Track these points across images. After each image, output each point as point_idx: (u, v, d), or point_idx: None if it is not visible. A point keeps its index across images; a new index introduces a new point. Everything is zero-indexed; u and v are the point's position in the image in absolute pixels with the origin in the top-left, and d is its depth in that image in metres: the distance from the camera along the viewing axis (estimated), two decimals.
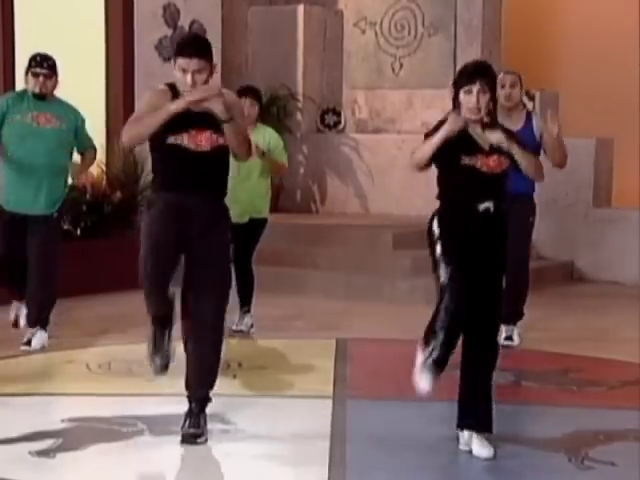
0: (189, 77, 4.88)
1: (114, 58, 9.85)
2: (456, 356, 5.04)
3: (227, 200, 7.17)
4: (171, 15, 10.28)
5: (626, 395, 6.13)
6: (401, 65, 11.87)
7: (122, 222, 9.37)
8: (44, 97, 6.87)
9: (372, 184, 11.56)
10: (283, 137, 11.50)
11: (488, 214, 4.89)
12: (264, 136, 7.60)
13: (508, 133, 4.93)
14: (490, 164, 4.87)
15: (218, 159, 5.01)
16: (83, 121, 7.07)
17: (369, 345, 7.44)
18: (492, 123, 4.92)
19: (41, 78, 6.84)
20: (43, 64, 6.86)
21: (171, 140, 4.94)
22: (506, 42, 11.62)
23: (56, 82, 6.94)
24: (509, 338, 7.30)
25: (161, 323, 5.13)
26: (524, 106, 7.60)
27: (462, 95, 4.86)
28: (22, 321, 7.10)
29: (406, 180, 10.95)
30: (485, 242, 4.91)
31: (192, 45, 4.96)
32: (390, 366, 6.72)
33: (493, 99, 4.90)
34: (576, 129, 11.08)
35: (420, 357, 4.85)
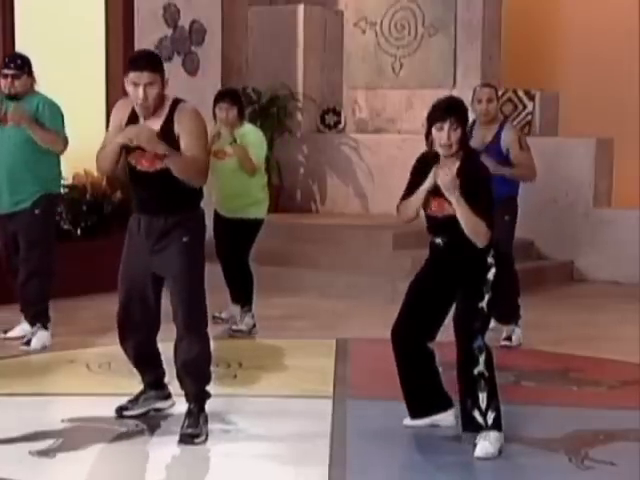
0: (140, 90, 4.93)
1: (114, 58, 9.84)
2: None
3: (216, 194, 7.11)
4: (171, 15, 10.28)
5: (626, 395, 6.13)
6: (401, 65, 11.87)
7: (122, 222, 9.30)
8: (15, 97, 6.87)
9: (372, 184, 11.56)
10: (283, 137, 11.62)
11: (442, 248, 5.05)
12: (244, 132, 7.59)
13: (467, 188, 4.91)
14: (433, 204, 5.06)
15: (164, 181, 5.01)
16: (52, 109, 6.92)
17: (369, 345, 7.44)
18: (466, 156, 5.00)
19: (9, 79, 6.85)
20: (10, 65, 6.87)
21: (128, 158, 5.10)
22: (506, 42, 11.62)
23: (28, 80, 6.89)
24: (508, 339, 7.30)
25: (138, 367, 5.39)
26: (506, 117, 7.65)
27: (434, 131, 4.99)
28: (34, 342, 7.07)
29: (406, 180, 10.93)
30: (442, 274, 5.07)
31: (143, 59, 5.03)
32: (390, 366, 6.70)
33: (464, 133, 5.01)
34: (576, 129, 11.10)
35: None
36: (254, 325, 7.68)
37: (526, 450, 5.00)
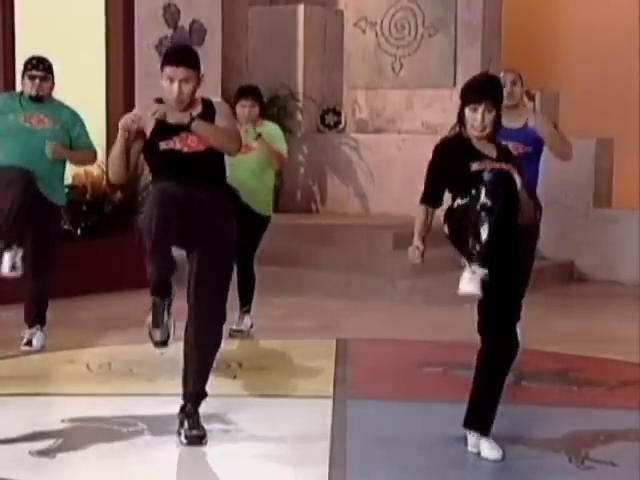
0: (175, 86, 4.91)
1: (114, 58, 9.85)
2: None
3: None
4: (171, 15, 10.28)
5: (626, 395, 6.13)
6: (401, 65, 11.87)
7: (122, 222, 9.36)
8: (40, 99, 6.89)
9: (372, 184, 11.56)
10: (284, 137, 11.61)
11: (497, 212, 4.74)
12: (266, 128, 7.63)
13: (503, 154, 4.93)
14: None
15: (212, 159, 5.03)
16: (81, 123, 7.03)
17: (369, 345, 7.44)
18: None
19: (37, 80, 6.86)
20: (39, 66, 6.88)
21: (163, 146, 4.99)
22: (506, 42, 11.62)
23: (52, 84, 6.95)
24: None
25: (160, 293, 5.04)
26: (532, 99, 7.61)
27: (468, 112, 4.86)
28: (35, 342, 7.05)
29: (406, 180, 10.95)
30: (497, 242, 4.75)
31: (179, 54, 5.01)
32: (390, 366, 6.72)
33: (498, 113, 4.89)
34: (576, 129, 11.08)
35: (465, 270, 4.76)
36: (252, 325, 7.69)
37: (526, 450, 4.99)
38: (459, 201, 4.80)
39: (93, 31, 9.83)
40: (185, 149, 4.97)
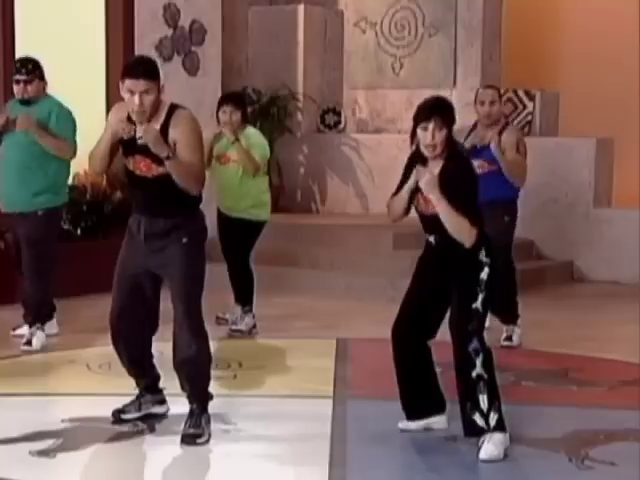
0: (136, 98, 4.92)
1: (114, 58, 9.84)
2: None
3: (219, 195, 7.05)
4: (171, 15, 10.28)
5: (626, 395, 6.13)
6: (401, 65, 11.87)
7: (122, 222, 9.30)
8: (28, 102, 6.89)
9: (372, 184, 11.55)
10: (283, 137, 11.62)
11: (434, 246, 5.04)
12: (247, 134, 7.58)
13: (449, 187, 4.87)
14: (421, 202, 5.02)
15: (162, 185, 5.00)
16: (63, 116, 6.97)
17: (369, 345, 7.44)
18: (450, 156, 4.96)
19: (21, 85, 6.89)
20: (22, 70, 6.90)
21: (125, 162, 5.12)
22: (506, 42, 11.62)
23: (40, 84, 6.92)
24: (509, 338, 7.30)
25: (144, 388, 5.36)
26: (506, 117, 7.60)
27: (419, 132, 4.94)
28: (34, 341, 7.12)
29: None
30: (437, 271, 5.05)
31: (139, 66, 5.03)
32: (390, 366, 6.70)
33: (449, 133, 4.94)
34: (576, 129, 11.10)
35: None
36: (254, 325, 7.69)
37: (526, 450, 5.00)
38: None
39: (93, 31, 9.83)
40: (137, 172, 5.07)
